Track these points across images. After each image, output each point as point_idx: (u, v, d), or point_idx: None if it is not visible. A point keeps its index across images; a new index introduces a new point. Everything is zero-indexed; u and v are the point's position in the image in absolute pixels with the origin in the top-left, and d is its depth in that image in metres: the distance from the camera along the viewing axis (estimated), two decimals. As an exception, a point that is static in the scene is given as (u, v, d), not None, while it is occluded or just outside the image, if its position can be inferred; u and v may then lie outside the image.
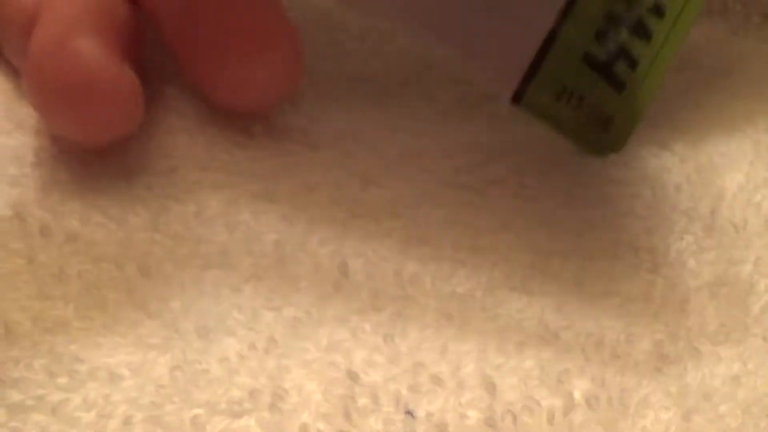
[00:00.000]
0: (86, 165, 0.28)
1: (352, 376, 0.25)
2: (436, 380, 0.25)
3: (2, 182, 0.27)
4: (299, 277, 0.27)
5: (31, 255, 0.26)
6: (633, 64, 0.27)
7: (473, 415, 0.25)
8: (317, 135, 0.29)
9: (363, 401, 0.25)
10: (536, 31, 0.27)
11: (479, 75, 0.28)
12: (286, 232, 0.27)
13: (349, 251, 0.27)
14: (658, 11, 0.27)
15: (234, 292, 0.26)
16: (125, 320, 0.25)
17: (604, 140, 0.28)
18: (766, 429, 0.26)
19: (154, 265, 0.26)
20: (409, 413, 0.25)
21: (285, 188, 0.28)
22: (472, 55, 0.27)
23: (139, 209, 0.27)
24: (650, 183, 0.29)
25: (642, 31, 0.27)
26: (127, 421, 0.24)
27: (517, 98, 0.27)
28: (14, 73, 0.29)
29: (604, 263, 0.28)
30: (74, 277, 0.26)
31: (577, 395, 0.25)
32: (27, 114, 0.28)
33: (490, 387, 0.25)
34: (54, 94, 0.24)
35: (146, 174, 0.28)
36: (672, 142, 0.30)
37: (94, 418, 0.24)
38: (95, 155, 0.28)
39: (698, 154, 0.30)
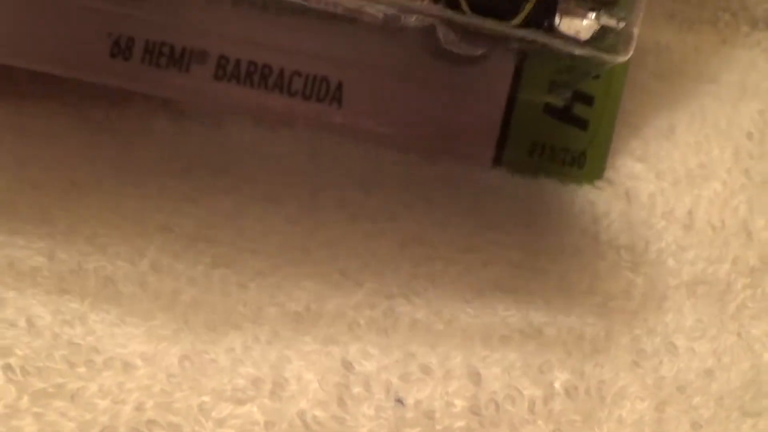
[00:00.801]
0: (102, 168, 0.30)
1: (347, 366, 0.27)
2: (425, 370, 0.27)
3: (26, 184, 0.29)
4: (301, 276, 0.28)
5: (51, 253, 0.28)
6: (589, 100, 0.30)
7: (459, 403, 0.27)
8: (320, 143, 0.31)
9: (356, 389, 0.27)
10: (497, 101, 0.29)
11: (455, 157, 0.30)
12: (289, 233, 0.29)
13: (348, 252, 0.29)
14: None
15: (240, 289, 0.28)
16: (138, 313, 0.27)
17: (581, 176, 0.30)
18: (736, 420, 0.27)
19: (167, 262, 0.28)
20: (399, 401, 0.26)
21: (290, 192, 0.30)
22: (444, 142, 0.30)
23: (153, 211, 0.29)
24: (627, 191, 0.31)
25: None
26: (139, 407, 0.26)
27: (496, 162, 0.30)
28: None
29: (587, 261, 0.30)
30: (91, 272, 0.28)
31: (557, 385, 0.27)
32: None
33: (476, 377, 0.27)
34: None
35: (160, 176, 0.30)
36: (652, 151, 0.32)
37: (110, 404, 0.26)
38: (110, 159, 0.30)
39: (676, 165, 0.32)
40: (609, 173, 0.31)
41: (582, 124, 0.30)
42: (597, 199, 0.31)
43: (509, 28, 0.24)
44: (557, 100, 0.30)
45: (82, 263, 0.28)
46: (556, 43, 0.24)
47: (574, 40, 0.24)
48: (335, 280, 0.28)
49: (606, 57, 0.25)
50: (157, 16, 0.29)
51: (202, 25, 0.29)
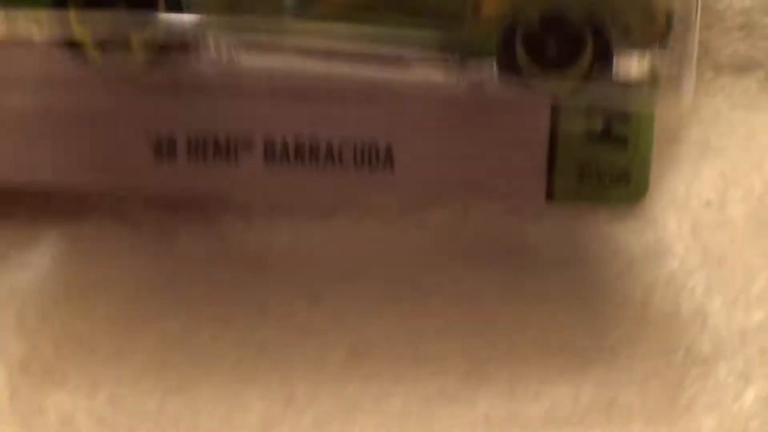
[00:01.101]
0: (53, 291, 0.30)
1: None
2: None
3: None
4: (251, 400, 0.29)
5: (12, 389, 0.29)
6: (626, 118, 0.30)
7: None
8: (268, 252, 0.31)
9: None
10: (540, 135, 0.30)
11: (509, 196, 0.30)
12: (239, 355, 0.30)
13: (296, 374, 0.30)
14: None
15: (193, 419, 0.29)
16: (97, 449, 0.29)
17: (629, 192, 0.31)
18: None
19: (122, 393, 0.29)
20: None
21: (239, 311, 0.30)
22: (497, 184, 0.29)
23: (107, 337, 0.30)
24: (584, 277, 0.31)
25: None
26: None
27: (549, 196, 0.30)
28: None
29: (535, 366, 0.30)
30: (51, 409, 0.29)
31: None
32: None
33: None
34: None
35: (111, 298, 0.31)
36: (609, 227, 0.32)
37: None
38: (62, 281, 0.31)
39: (632, 242, 0.31)
40: (555, 267, 0.31)
41: (622, 142, 0.30)
42: (544, 294, 0.31)
43: (571, 81, 0.25)
44: (596, 124, 0.30)
45: (42, 400, 0.29)
46: (615, 93, 0.25)
47: (630, 86, 0.25)
48: (284, 404, 0.29)
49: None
50: (193, 110, 0.29)
51: (242, 112, 0.29)
